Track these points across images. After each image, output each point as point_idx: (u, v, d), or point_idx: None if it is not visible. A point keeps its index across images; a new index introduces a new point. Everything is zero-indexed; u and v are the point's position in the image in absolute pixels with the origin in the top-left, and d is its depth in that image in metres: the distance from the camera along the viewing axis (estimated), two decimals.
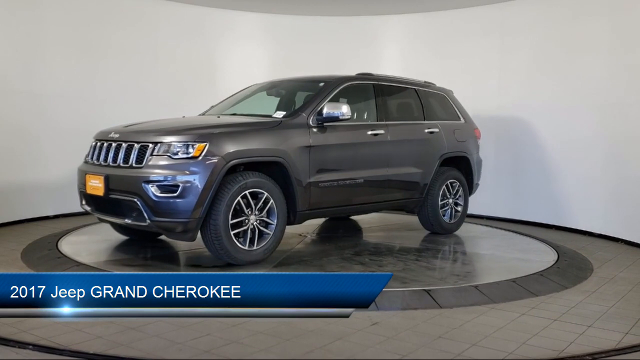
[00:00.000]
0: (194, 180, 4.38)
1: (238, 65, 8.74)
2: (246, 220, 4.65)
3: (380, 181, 5.67)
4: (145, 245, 5.54)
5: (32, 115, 7.01)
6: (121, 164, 4.65)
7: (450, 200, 6.45)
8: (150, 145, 4.54)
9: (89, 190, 4.89)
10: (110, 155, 4.76)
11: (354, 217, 7.44)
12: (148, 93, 7.93)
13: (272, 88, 6.16)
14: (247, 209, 4.64)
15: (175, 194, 4.37)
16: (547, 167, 7.40)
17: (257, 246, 4.72)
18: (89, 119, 6.88)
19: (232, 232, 4.55)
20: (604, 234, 6.79)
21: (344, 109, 5.10)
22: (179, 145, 4.47)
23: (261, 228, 4.76)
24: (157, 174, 4.43)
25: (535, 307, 4.05)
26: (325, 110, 5.11)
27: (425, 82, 6.67)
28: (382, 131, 5.66)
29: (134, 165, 4.56)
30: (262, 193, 4.72)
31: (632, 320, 3.83)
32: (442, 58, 8.27)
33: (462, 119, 6.75)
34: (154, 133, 4.69)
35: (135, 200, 4.47)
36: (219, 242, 4.52)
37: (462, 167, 6.64)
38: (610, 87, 6.64)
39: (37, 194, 7.05)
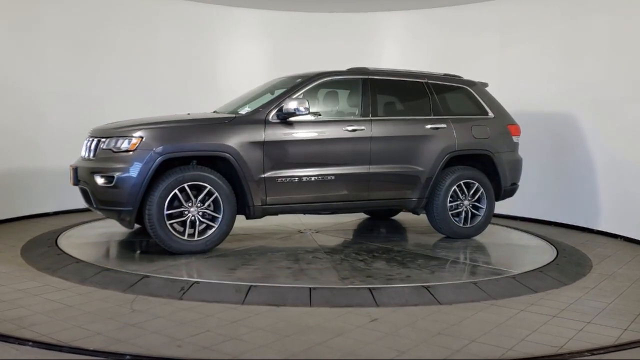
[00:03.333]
0: (128, 172, 4.69)
1: (239, 62, 8.72)
2: (186, 212, 4.83)
3: (360, 179, 5.48)
4: (144, 238, 5.55)
5: (31, 113, 7.02)
6: (85, 157, 5.11)
7: (466, 202, 5.92)
8: (102, 140, 4.93)
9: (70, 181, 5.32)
10: (84, 149, 5.19)
11: (395, 218, 7.17)
12: (149, 91, 7.92)
13: (267, 86, 6.15)
14: (187, 201, 4.82)
15: (111, 184, 4.72)
16: (545, 163, 7.39)
17: (198, 237, 4.88)
18: (89, 117, 6.85)
19: (167, 222, 4.75)
20: (603, 230, 6.80)
21: (304, 105, 5.11)
22: (119, 139, 4.81)
23: (204, 220, 4.89)
24: (100, 165, 4.85)
25: (534, 303, 4.05)
26: (284, 107, 5.16)
27: (446, 74, 6.24)
28: (362, 127, 5.50)
29: (90, 158, 5.00)
30: (205, 186, 4.85)
31: (631, 317, 3.84)
32: (442, 54, 8.25)
33: (490, 113, 6.19)
34: (107, 129, 5.05)
35: (87, 189, 4.92)
36: (153, 230, 4.74)
37: (486, 167, 6.11)
38: (609, 86, 6.62)
39: (36, 191, 7.06)
